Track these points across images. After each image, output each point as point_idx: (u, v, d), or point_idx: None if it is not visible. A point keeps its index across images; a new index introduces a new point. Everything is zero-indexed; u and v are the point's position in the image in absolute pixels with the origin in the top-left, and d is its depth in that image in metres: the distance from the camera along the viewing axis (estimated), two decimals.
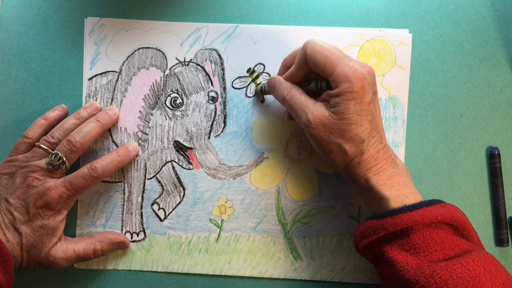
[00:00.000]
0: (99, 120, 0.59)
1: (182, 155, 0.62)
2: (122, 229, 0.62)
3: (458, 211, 0.51)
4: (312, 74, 0.54)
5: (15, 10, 0.63)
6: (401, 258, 0.48)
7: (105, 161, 0.57)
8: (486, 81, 0.62)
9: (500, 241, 0.61)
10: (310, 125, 0.52)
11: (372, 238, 0.51)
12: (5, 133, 0.62)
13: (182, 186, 0.62)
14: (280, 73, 0.59)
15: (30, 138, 0.58)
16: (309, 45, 0.52)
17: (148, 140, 0.62)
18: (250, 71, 0.62)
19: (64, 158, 0.56)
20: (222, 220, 0.62)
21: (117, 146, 0.62)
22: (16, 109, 0.63)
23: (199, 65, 0.62)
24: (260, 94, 0.62)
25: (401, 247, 0.49)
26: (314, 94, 0.54)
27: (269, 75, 0.62)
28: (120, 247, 0.61)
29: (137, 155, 0.61)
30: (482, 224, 0.62)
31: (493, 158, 0.61)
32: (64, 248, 0.56)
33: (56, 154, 0.55)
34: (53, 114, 0.60)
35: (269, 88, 0.58)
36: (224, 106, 0.62)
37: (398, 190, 0.51)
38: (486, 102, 0.62)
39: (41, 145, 0.56)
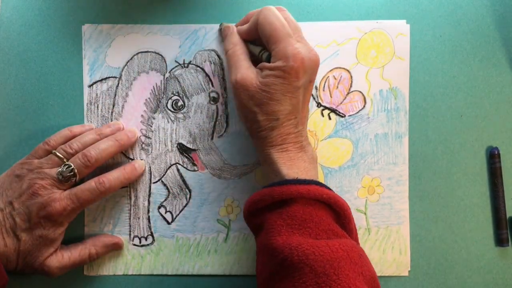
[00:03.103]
0: (118, 139, 0.59)
1: (186, 157, 0.62)
2: (130, 234, 0.62)
3: (346, 204, 0.52)
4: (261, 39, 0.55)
5: (15, 10, 0.63)
6: (276, 227, 0.49)
7: (113, 176, 0.58)
8: (486, 81, 0.62)
9: (500, 241, 0.61)
10: (236, 85, 0.54)
11: (258, 206, 0.52)
12: (5, 133, 0.62)
13: (188, 188, 0.62)
14: (239, 23, 0.60)
15: (50, 146, 0.57)
16: (263, 13, 0.54)
17: (151, 144, 0.62)
18: None
19: (76, 171, 0.56)
20: (230, 220, 0.62)
21: (125, 155, 0.62)
22: (16, 109, 0.62)
23: (199, 66, 0.62)
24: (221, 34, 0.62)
25: (280, 215, 0.50)
26: (256, 59, 0.56)
27: None
28: (114, 249, 0.61)
29: (143, 174, 0.62)
30: (482, 224, 0.62)
31: (493, 158, 0.61)
32: (59, 258, 0.56)
33: (69, 166, 0.55)
34: (80, 128, 0.60)
35: (222, 34, 0.60)
36: (226, 106, 0.62)
37: (296, 173, 0.52)
38: (486, 102, 0.62)
39: (57, 153, 0.56)
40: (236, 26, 0.60)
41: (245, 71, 0.54)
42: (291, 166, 0.52)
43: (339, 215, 0.51)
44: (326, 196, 0.50)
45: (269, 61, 0.53)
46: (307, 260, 0.45)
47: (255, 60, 0.56)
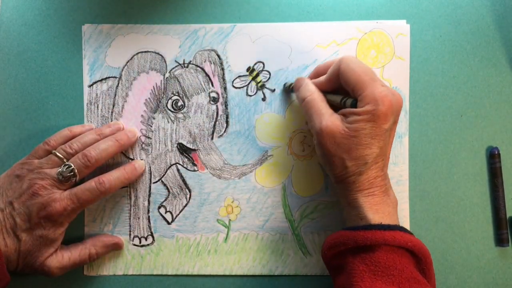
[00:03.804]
0: (118, 139, 0.59)
1: (186, 157, 0.62)
2: (130, 234, 0.62)
3: (428, 250, 0.52)
4: (341, 89, 0.55)
5: (15, 10, 0.63)
6: (359, 272, 0.49)
7: (113, 176, 0.58)
8: (486, 81, 0.62)
9: (500, 241, 0.61)
10: (321, 133, 0.53)
11: (340, 248, 0.51)
12: (5, 133, 0.62)
13: (188, 188, 0.62)
14: (310, 77, 0.60)
15: (50, 146, 0.58)
16: (344, 62, 0.53)
17: (151, 144, 0.62)
18: (250, 70, 0.62)
19: (76, 171, 0.56)
20: (230, 220, 0.62)
21: (125, 155, 0.62)
22: (16, 109, 0.62)
23: (199, 66, 0.62)
24: (287, 90, 0.62)
25: (363, 260, 0.50)
26: (333, 107, 0.55)
27: (269, 73, 0.62)
28: (114, 249, 0.61)
29: (143, 174, 0.62)
30: (482, 224, 0.62)
31: (493, 158, 0.61)
32: (59, 258, 0.57)
33: (69, 166, 0.55)
34: (80, 128, 0.60)
35: (295, 86, 0.59)
36: (226, 106, 0.62)
37: (381, 218, 0.52)
38: (486, 102, 0.62)
39: (57, 153, 0.56)
40: (308, 78, 0.59)
41: (329, 118, 0.53)
42: (376, 211, 0.52)
43: (420, 261, 0.51)
44: (410, 244, 0.50)
45: (354, 107, 0.53)
46: None
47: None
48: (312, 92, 0.56)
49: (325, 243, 0.54)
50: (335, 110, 0.55)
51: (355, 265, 0.50)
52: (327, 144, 0.53)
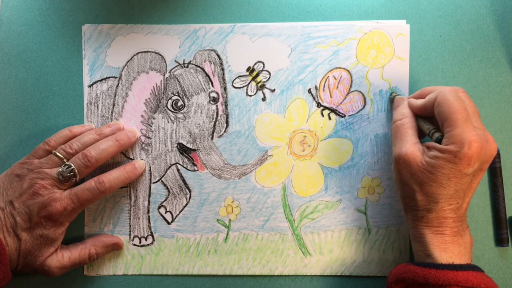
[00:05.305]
0: (118, 139, 0.59)
1: (186, 157, 0.62)
2: (130, 234, 0.62)
3: (497, 286, 0.51)
4: (435, 118, 0.53)
5: (15, 10, 0.63)
6: None
7: (113, 176, 0.58)
8: (486, 81, 0.62)
9: (500, 241, 0.61)
10: (399, 159, 0.52)
11: (409, 283, 0.51)
12: (5, 133, 0.62)
13: (188, 188, 0.62)
14: (414, 96, 0.58)
15: (50, 146, 0.58)
16: (442, 93, 0.52)
17: (151, 144, 0.62)
18: (250, 70, 0.62)
19: (76, 171, 0.56)
20: (230, 220, 0.62)
21: (125, 155, 0.62)
22: (16, 109, 0.62)
23: (199, 66, 0.62)
24: (390, 101, 0.62)
25: None
26: (422, 133, 0.55)
27: (269, 73, 0.62)
28: (114, 249, 0.61)
29: (143, 174, 0.62)
30: (482, 224, 0.62)
31: (493, 158, 0.61)
32: (59, 258, 0.57)
33: (69, 166, 0.55)
34: (80, 128, 0.60)
35: (394, 104, 0.59)
36: (226, 106, 0.62)
37: (450, 257, 0.51)
38: (486, 102, 0.62)
39: (57, 153, 0.56)
40: (409, 98, 0.58)
41: (411, 146, 0.52)
42: (444, 250, 0.51)
43: None
44: (484, 286, 0.49)
45: (439, 142, 0.51)
46: None
47: (421, 136, 0.56)
48: (404, 116, 0.55)
49: (391, 275, 0.53)
50: (422, 137, 0.54)
51: None
52: (402, 171, 0.52)
